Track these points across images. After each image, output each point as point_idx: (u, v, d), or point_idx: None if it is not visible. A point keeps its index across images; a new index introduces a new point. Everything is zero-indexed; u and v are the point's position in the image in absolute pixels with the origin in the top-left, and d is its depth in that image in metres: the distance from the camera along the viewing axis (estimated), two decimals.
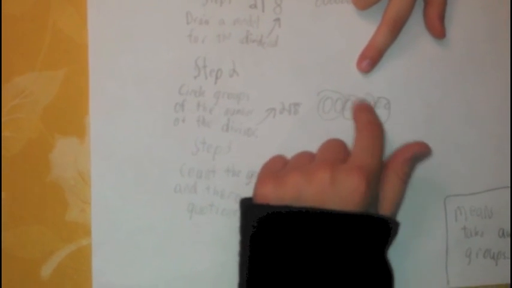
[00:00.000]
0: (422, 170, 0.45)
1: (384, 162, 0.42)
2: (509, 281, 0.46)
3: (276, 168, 0.42)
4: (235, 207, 0.45)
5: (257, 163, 0.45)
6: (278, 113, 0.45)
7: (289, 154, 0.45)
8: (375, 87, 0.46)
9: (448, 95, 0.46)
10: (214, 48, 0.45)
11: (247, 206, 0.40)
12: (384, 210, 0.40)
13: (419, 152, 0.42)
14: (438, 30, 0.45)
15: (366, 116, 0.43)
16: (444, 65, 0.46)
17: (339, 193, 0.38)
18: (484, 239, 0.46)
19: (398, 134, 0.46)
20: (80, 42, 0.45)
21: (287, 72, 0.45)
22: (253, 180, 0.45)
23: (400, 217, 0.45)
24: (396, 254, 0.45)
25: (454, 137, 0.46)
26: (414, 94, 0.46)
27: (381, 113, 0.46)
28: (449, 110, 0.46)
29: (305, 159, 0.42)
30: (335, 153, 0.41)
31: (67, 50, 0.45)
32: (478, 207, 0.46)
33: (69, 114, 0.45)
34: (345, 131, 0.45)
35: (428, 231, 0.46)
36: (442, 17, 0.44)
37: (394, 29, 0.44)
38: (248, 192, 0.44)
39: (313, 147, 0.44)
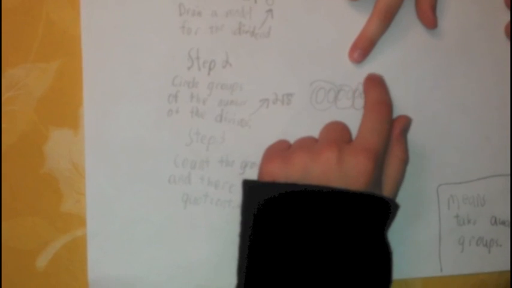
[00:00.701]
0: (414, 159, 0.46)
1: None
2: (501, 269, 0.46)
3: (281, 148, 0.42)
4: (230, 197, 0.45)
5: (251, 153, 0.45)
6: (271, 104, 0.46)
7: None
8: None
9: (440, 85, 0.46)
10: (207, 40, 0.45)
11: (253, 185, 0.41)
12: (386, 191, 0.41)
13: (404, 125, 0.43)
14: (430, 20, 0.45)
15: (376, 94, 0.43)
16: (436, 54, 0.46)
17: (345, 173, 0.38)
18: (477, 227, 0.46)
19: None
20: (73, 34, 0.45)
21: (280, 63, 0.46)
22: (247, 170, 0.45)
23: None
24: (390, 243, 0.45)
25: (446, 126, 0.46)
26: (406, 84, 0.46)
27: None
28: (441, 99, 0.46)
29: (310, 141, 0.42)
30: (339, 135, 0.42)
31: (60, 42, 0.45)
32: (470, 196, 0.46)
33: (63, 106, 0.45)
34: (337, 120, 0.45)
35: (421, 220, 0.46)
36: (433, 7, 0.44)
37: (386, 18, 0.44)
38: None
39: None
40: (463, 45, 0.47)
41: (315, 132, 0.45)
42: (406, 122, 0.43)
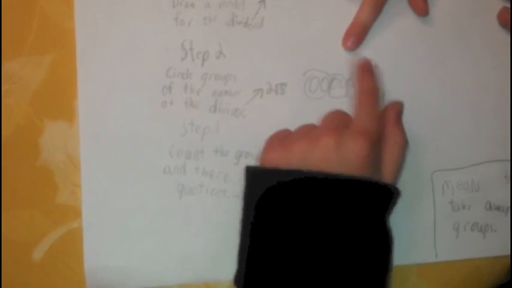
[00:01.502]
0: (408, 146, 0.46)
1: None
2: (497, 254, 0.46)
3: (282, 137, 0.42)
4: (225, 187, 0.45)
5: (245, 143, 0.45)
6: (265, 93, 0.46)
7: None
8: None
9: (433, 71, 0.47)
10: (201, 31, 0.46)
11: (255, 171, 0.41)
12: (386, 176, 0.41)
13: (398, 110, 0.43)
14: (421, 8, 0.45)
15: (367, 81, 0.43)
16: (429, 41, 0.47)
17: (344, 157, 0.38)
18: (472, 213, 0.47)
19: None
20: (67, 27, 0.45)
21: (273, 53, 0.46)
22: (242, 160, 0.45)
23: None
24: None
25: (440, 112, 0.47)
26: (399, 71, 0.46)
27: None
28: (434, 85, 0.47)
29: (310, 128, 0.42)
30: (339, 121, 0.42)
31: (54, 35, 0.46)
32: (464, 181, 0.47)
33: (58, 99, 0.45)
34: (331, 109, 0.46)
35: (416, 206, 0.46)
36: None
37: (377, 5, 0.45)
38: (237, 172, 0.45)
39: (300, 126, 0.45)
40: (456, 31, 0.47)
41: (309, 122, 0.45)
42: (400, 107, 0.44)
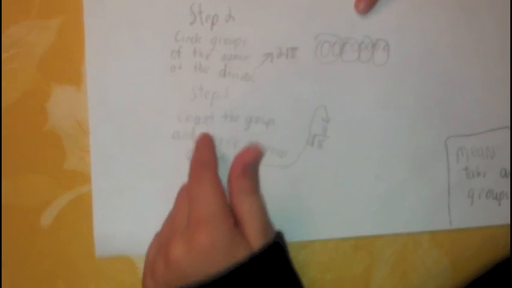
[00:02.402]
0: (422, 112, 0.45)
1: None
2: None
3: (153, 253, 0.40)
4: (235, 153, 0.44)
5: (255, 108, 0.44)
6: (275, 58, 0.45)
7: (286, 99, 0.45)
8: (373, 29, 0.45)
9: (446, 36, 0.46)
10: None
11: None
12: (252, 232, 0.37)
13: (252, 160, 0.38)
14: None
15: (196, 153, 0.41)
16: (441, 4, 0.46)
17: (197, 260, 0.36)
18: (486, 180, 0.46)
19: (397, 76, 0.45)
20: None
21: (284, 16, 0.45)
22: (252, 125, 0.45)
23: (402, 159, 0.44)
24: (398, 196, 0.45)
25: (453, 77, 0.46)
26: (412, 35, 0.45)
27: (380, 55, 0.45)
28: (446, 51, 0.46)
29: (166, 227, 0.40)
30: (183, 210, 0.39)
31: None
32: (479, 148, 0.46)
33: (65, 63, 0.45)
34: (343, 74, 0.45)
35: (430, 173, 0.45)
36: None
37: None
38: (246, 138, 0.44)
39: (311, 91, 0.45)
40: None
41: (320, 87, 0.44)
42: (251, 156, 0.38)
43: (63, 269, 0.45)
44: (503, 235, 0.46)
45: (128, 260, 0.45)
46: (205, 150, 0.41)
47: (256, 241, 0.37)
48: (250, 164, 0.38)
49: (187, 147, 0.44)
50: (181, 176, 0.43)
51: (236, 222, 0.38)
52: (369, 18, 0.45)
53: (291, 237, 0.42)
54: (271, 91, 0.45)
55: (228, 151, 0.45)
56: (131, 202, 0.44)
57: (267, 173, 0.44)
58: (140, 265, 0.44)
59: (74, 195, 0.44)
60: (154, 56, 0.44)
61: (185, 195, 0.39)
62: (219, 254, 0.36)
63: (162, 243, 0.39)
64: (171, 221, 0.40)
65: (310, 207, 0.45)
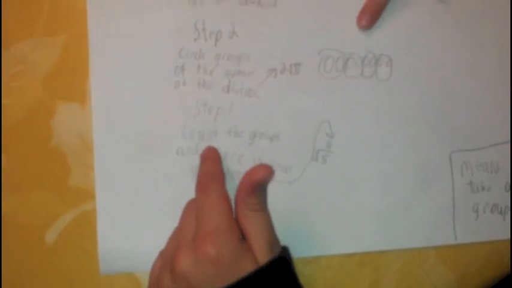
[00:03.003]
0: (425, 127, 0.45)
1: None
2: None
3: (157, 268, 0.40)
4: (239, 168, 0.45)
5: (259, 123, 0.45)
6: (279, 73, 0.45)
7: (289, 114, 0.45)
8: (376, 44, 0.45)
9: (449, 50, 0.46)
10: (214, 10, 0.45)
11: None
12: (259, 248, 0.37)
13: (261, 179, 0.37)
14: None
15: (203, 166, 0.41)
16: (444, 20, 0.46)
17: (204, 272, 0.35)
18: (491, 194, 0.45)
19: (401, 91, 0.45)
20: (79, 7, 0.45)
21: (287, 32, 0.45)
22: (256, 140, 0.45)
23: (406, 174, 0.44)
24: (403, 211, 0.45)
25: (457, 92, 0.46)
26: (415, 50, 0.46)
27: (383, 70, 0.45)
28: (450, 65, 0.46)
29: (172, 241, 0.40)
30: (190, 224, 0.39)
31: (66, 15, 0.45)
32: (484, 162, 0.46)
33: (70, 80, 0.45)
34: (347, 89, 0.45)
35: (435, 188, 0.45)
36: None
37: None
38: (251, 153, 0.44)
39: (315, 106, 0.45)
40: (471, 9, 0.46)
41: (324, 102, 0.45)
42: (259, 175, 0.37)
43: (67, 286, 0.45)
44: (507, 249, 0.46)
45: (133, 277, 0.45)
46: (212, 163, 0.42)
47: (263, 256, 0.36)
48: (259, 182, 0.37)
49: (192, 163, 0.44)
50: (186, 192, 0.43)
51: (243, 236, 0.37)
52: (372, 33, 0.45)
53: (295, 253, 0.42)
54: (275, 106, 0.45)
55: (232, 166, 0.45)
56: (135, 219, 0.44)
57: (271, 189, 0.43)
58: (145, 281, 0.44)
59: (79, 212, 0.44)
60: (158, 72, 0.45)
61: (192, 208, 0.39)
62: (226, 266, 0.35)
63: (167, 257, 0.39)
64: (176, 235, 0.40)
65: (315, 222, 0.44)
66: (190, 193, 0.44)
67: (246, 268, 0.36)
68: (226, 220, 0.37)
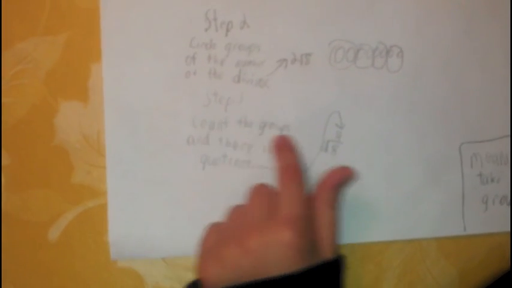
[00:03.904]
0: (435, 118, 0.45)
1: (311, 194, 0.41)
2: None
3: (212, 242, 0.40)
4: (249, 158, 0.44)
5: (270, 113, 0.44)
6: (290, 64, 0.45)
7: (300, 105, 0.45)
8: (387, 35, 0.46)
9: (460, 42, 0.46)
10: (225, 1, 0.45)
11: None
12: (326, 244, 0.39)
13: (344, 178, 0.41)
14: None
15: (285, 157, 0.42)
16: (455, 12, 0.46)
17: (275, 254, 0.37)
18: (500, 186, 0.46)
19: (411, 82, 0.45)
20: (80, 5, 0.45)
21: (298, 22, 0.45)
22: (266, 131, 0.44)
23: (415, 165, 0.45)
24: (412, 202, 0.45)
25: (467, 83, 0.46)
26: (426, 42, 0.46)
27: (394, 61, 0.45)
28: (461, 57, 0.46)
29: (237, 219, 0.41)
30: (262, 207, 0.40)
31: (68, 14, 0.45)
32: (493, 154, 0.46)
33: (72, 78, 0.45)
34: (357, 80, 0.45)
35: (444, 179, 0.45)
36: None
37: None
38: (260, 143, 0.44)
39: (325, 97, 0.45)
40: (481, 2, 0.46)
41: (334, 93, 0.45)
42: (347, 175, 0.41)
43: (70, 283, 0.44)
44: (509, 244, 0.46)
45: (136, 275, 0.44)
46: (292, 154, 0.43)
47: (329, 251, 0.39)
48: (344, 179, 0.41)
49: (202, 152, 0.44)
50: (195, 181, 0.43)
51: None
52: (383, 24, 0.45)
53: None
54: (285, 97, 0.45)
55: (241, 157, 0.44)
56: (146, 207, 0.44)
57: None
58: (147, 278, 0.44)
59: (82, 210, 0.44)
60: (169, 62, 0.44)
61: (265, 194, 0.40)
62: (299, 254, 0.37)
63: (230, 233, 0.39)
64: (242, 214, 0.40)
65: None
66: (199, 182, 0.44)
67: (313, 259, 0.38)
68: (306, 212, 0.39)
